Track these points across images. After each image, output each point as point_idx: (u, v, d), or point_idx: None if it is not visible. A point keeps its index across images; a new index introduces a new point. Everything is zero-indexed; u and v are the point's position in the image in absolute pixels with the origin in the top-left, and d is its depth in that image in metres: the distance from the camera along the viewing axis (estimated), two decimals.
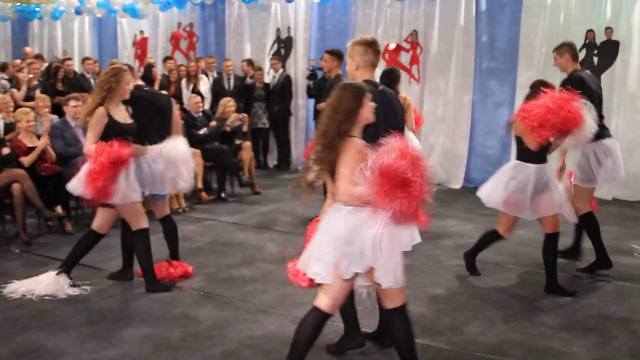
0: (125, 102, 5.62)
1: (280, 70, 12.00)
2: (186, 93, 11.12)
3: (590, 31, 9.70)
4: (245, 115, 10.49)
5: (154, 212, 6.06)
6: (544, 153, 5.54)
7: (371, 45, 4.21)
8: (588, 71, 6.51)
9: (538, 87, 5.59)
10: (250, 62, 12.29)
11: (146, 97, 5.88)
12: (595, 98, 5.98)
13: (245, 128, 10.32)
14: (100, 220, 5.67)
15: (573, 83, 5.82)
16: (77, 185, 5.39)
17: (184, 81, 11.45)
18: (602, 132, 6.05)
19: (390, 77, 7.10)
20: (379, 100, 3.91)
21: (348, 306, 4.28)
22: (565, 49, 6.17)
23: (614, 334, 4.85)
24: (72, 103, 7.96)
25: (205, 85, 11.67)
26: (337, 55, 8.00)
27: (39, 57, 12.93)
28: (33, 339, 4.67)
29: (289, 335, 4.60)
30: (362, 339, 4.45)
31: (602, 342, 4.70)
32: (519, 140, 5.55)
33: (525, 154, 5.53)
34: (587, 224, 6.19)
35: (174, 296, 5.56)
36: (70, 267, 5.70)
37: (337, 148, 3.56)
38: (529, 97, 5.59)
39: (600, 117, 6.00)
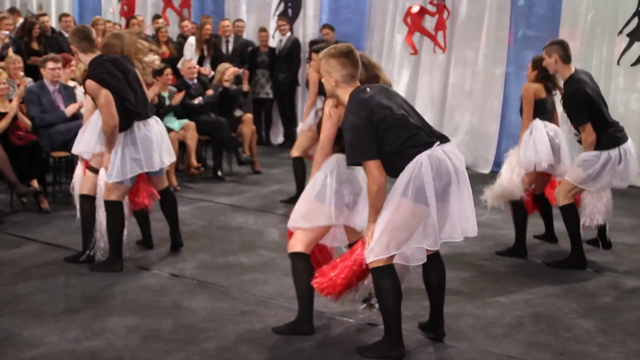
0: None
1: (288, 34, 12.07)
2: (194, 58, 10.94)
3: None
4: (246, 71, 10.61)
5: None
6: None
7: (348, 56, 4.39)
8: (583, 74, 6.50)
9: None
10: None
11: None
12: (602, 104, 6.29)
13: (245, 86, 10.43)
14: None
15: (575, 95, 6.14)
16: None
17: (191, 41, 11.20)
18: (619, 137, 6.32)
19: None
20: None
21: (394, 311, 4.39)
22: (554, 48, 6.27)
23: None
24: (51, 65, 8.05)
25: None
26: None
27: (13, 11, 12.94)
28: (6, 326, 4.81)
29: None
30: (403, 350, 4.49)
31: None
32: None
33: None
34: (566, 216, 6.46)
35: (164, 284, 5.71)
36: None
37: None
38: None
39: (609, 118, 6.35)
